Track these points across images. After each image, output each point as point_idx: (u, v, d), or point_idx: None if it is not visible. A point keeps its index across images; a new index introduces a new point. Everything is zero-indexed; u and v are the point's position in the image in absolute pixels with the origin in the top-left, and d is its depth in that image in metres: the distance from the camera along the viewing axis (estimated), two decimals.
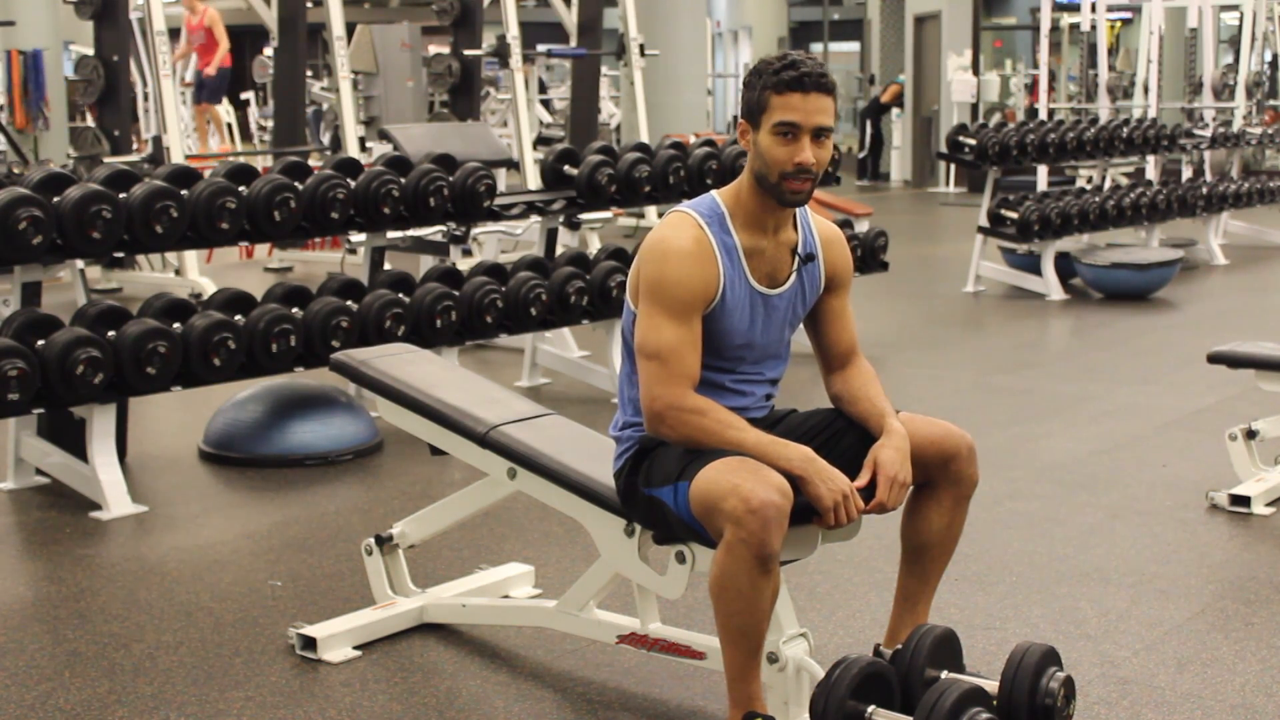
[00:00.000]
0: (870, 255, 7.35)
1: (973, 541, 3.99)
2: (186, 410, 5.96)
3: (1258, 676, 3.29)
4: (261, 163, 10.67)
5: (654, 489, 2.84)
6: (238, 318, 4.96)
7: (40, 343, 4.46)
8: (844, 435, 2.92)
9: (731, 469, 2.66)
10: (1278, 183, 11.88)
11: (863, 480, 2.76)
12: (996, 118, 16.68)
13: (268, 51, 14.09)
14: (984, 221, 9.17)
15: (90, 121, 11.62)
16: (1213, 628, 3.58)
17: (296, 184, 5.20)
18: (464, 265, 6.34)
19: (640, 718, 3.12)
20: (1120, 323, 8.23)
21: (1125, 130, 10.19)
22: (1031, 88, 18.04)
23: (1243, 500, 4.52)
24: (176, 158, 8.25)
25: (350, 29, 10.34)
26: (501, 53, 10.78)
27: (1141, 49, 14.06)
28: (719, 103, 23.29)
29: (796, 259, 2.93)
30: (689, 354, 2.80)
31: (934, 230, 13.57)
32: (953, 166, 16.22)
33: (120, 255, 6.15)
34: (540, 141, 14.03)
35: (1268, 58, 15.92)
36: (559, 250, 6.42)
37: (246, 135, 17.91)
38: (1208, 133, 11.83)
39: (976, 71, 16.79)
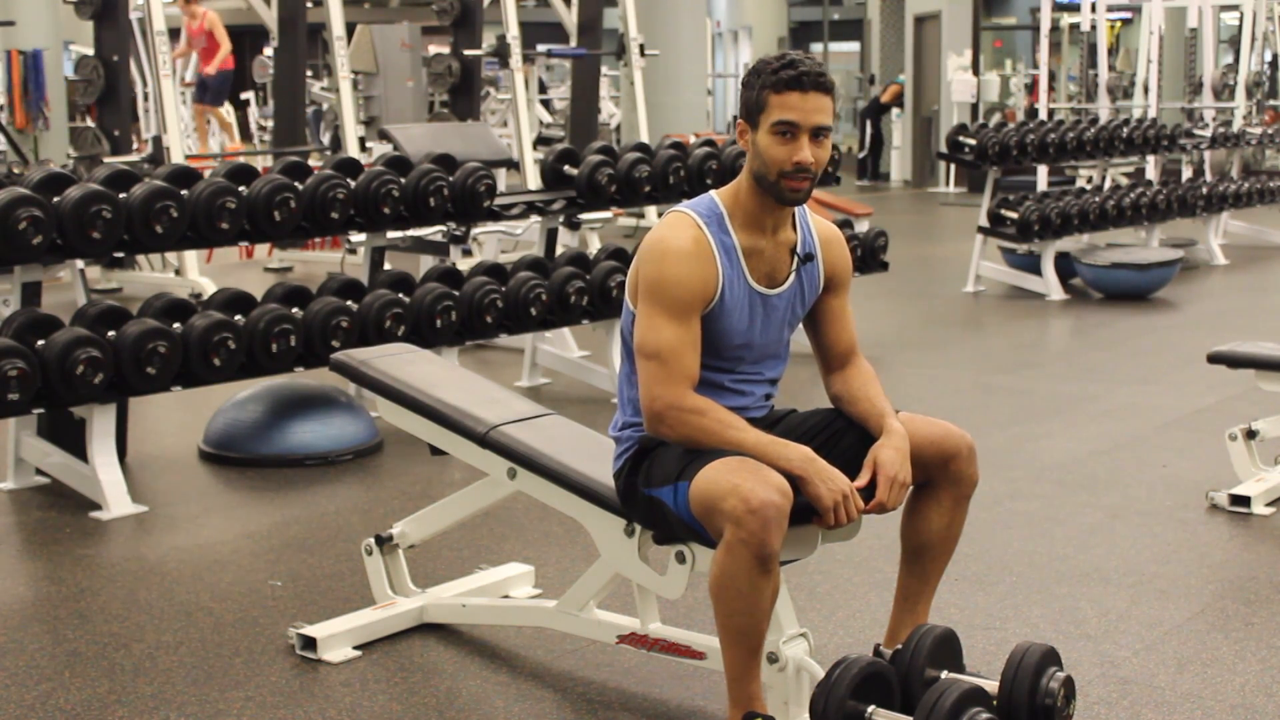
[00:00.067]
0: (870, 255, 7.35)
1: (973, 541, 3.99)
2: (186, 410, 5.96)
3: (1258, 676, 3.29)
4: (261, 163, 10.68)
5: (654, 489, 2.84)
6: (238, 318, 4.96)
7: (40, 343, 4.46)
8: (844, 435, 2.92)
9: (731, 469, 2.66)
10: (1278, 183, 11.88)
11: (863, 480, 2.76)
12: (996, 118, 16.69)
13: (268, 51, 14.09)
14: (984, 221, 9.17)
15: (90, 121, 11.62)
16: (1213, 628, 3.58)
17: (296, 184, 5.20)
18: (464, 265, 6.34)
19: (640, 718, 3.12)
20: (1120, 323, 8.23)
21: (1125, 130, 10.19)
22: (1031, 88, 18.05)
23: (1243, 500, 4.52)
24: (176, 158, 8.25)
25: (350, 29, 10.34)
26: (501, 53, 10.77)
27: (1141, 49, 14.06)
28: (719, 103, 23.30)
29: (795, 259, 2.93)
30: (688, 354, 2.80)
31: (934, 230, 13.58)
32: (953, 166, 16.23)
33: (120, 255, 6.16)
34: (540, 141, 14.03)
35: (1268, 58, 15.92)
36: (559, 250, 6.42)
37: (246, 135, 17.91)
38: (1208, 133, 11.83)
39: (976, 71, 16.80)
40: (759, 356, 2.94)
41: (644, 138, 10.92)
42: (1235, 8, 14.87)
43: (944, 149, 9.72)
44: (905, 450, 2.80)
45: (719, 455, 2.72)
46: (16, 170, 9.21)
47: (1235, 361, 4.84)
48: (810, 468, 2.70)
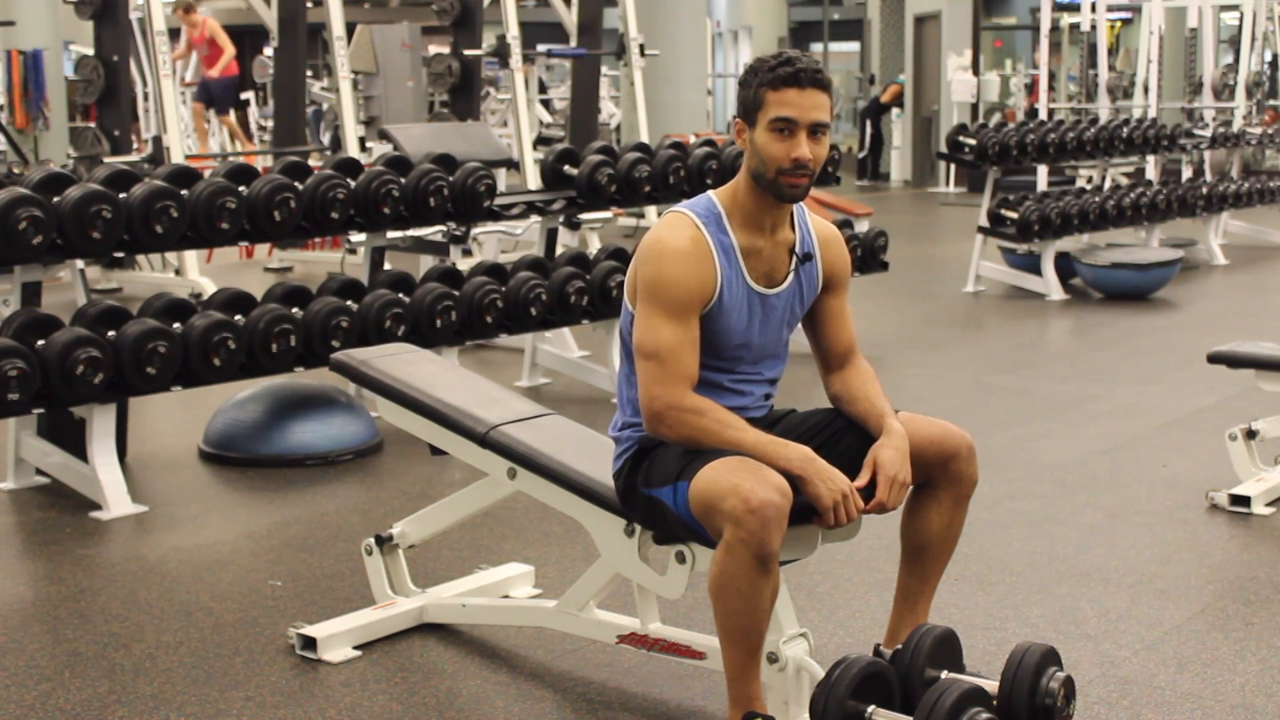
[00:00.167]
0: (870, 255, 7.35)
1: (973, 541, 3.99)
2: (186, 410, 5.96)
3: (1258, 676, 3.29)
4: (261, 163, 10.68)
5: (653, 489, 2.84)
6: (238, 318, 4.96)
7: (40, 343, 4.47)
8: (843, 435, 2.92)
9: (731, 469, 2.66)
10: (1278, 183, 11.88)
11: (862, 480, 2.76)
12: (996, 118, 16.69)
13: (268, 51, 14.09)
14: (984, 221, 9.17)
15: (89, 122, 11.62)
16: (1213, 628, 3.58)
17: (296, 184, 5.20)
18: (464, 265, 6.34)
19: (640, 718, 3.12)
20: (1120, 323, 8.23)
21: (1125, 130, 10.19)
22: (1031, 88, 18.04)
23: (1243, 500, 4.52)
24: (176, 158, 8.25)
25: (350, 29, 10.34)
26: (501, 53, 10.77)
27: (1141, 49, 14.05)
28: (719, 103, 23.29)
29: (794, 258, 2.93)
30: (687, 354, 2.80)
31: (934, 230, 13.58)
32: (953, 166, 16.22)
33: (120, 255, 6.16)
34: (540, 141, 14.02)
35: (1268, 58, 15.91)
36: (559, 250, 6.42)
37: (246, 135, 17.92)
38: (1208, 133, 11.83)
39: (976, 71, 16.80)
40: (758, 356, 2.94)
41: (644, 138, 10.92)
42: (1235, 8, 14.87)
43: (944, 149, 9.72)
44: (905, 450, 2.80)
45: (718, 455, 2.71)
46: (16, 170, 9.21)
47: (1235, 361, 4.84)
48: (810, 467, 2.70)
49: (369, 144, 10.75)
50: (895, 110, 18.42)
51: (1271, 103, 15.99)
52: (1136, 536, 4.30)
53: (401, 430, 3.52)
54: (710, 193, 2.93)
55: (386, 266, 5.91)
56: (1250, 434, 4.68)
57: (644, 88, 11.62)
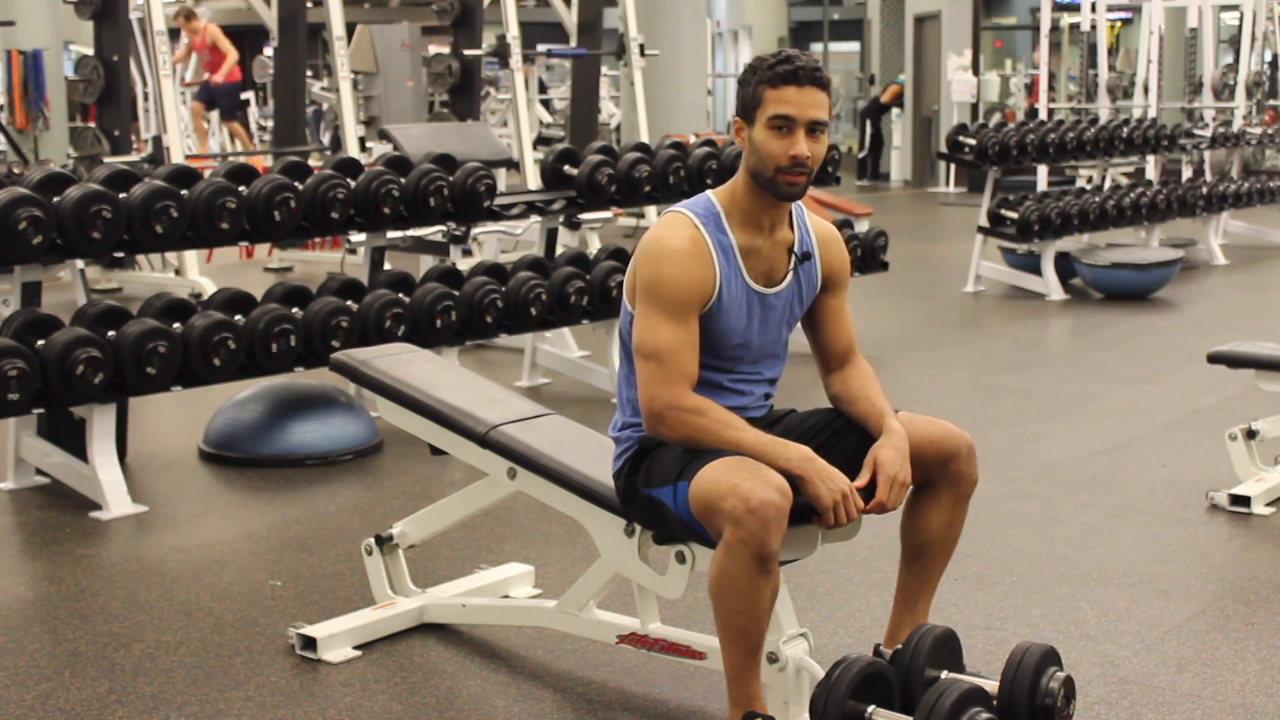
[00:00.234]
0: (870, 255, 7.35)
1: (973, 541, 3.99)
2: (186, 410, 5.96)
3: (1258, 676, 3.29)
4: (261, 163, 10.67)
5: (653, 489, 2.84)
6: (238, 318, 4.96)
7: (40, 343, 4.47)
8: (843, 435, 2.92)
9: (731, 469, 2.66)
10: (1278, 183, 11.88)
11: (862, 480, 2.76)
12: (996, 118, 16.68)
13: (268, 51, 14.09)
14: (984, 221, 9.17)
15: (88, 122, 11.63)
16: (1213, 628, 3.58)
17: (296, 184, 5.20)
18: (464, 265, 6.34)
19: (640, 718, 3.12)
20: (1120, 323, 8.23)
21: (1125, 130, 10.19)
22: (1031, 88, 18.04)
23: (1243, 500, 4.52)
24: (176, 158, 8.24)
25: (350, 29, 10.33)
26: (501, 53, 10.77)
27: (1141, 49, 14.05)
28: (719, 103, 23.29)
29: (793, 258, 2.93)
30: (687, 354, 2.80)
31: (934, 230, 13.57)
32: (953, 166, 16.22)
33: (120, 255, 6.16)
34: (540, 141, 14.02)
35: (1268, 58, 15.91)
36: (559, 250, 6.42)
37: (250, 140, 17.93)
38: (1208, 133, 11.83)
39: (976, 71, 16.80)
40: (757, 356, 2.94)
41: (644, 138, 10.92)
42: (1235, 8, 14.86)
43: (944, 149, 9.72)
44: (905, 450, 2.80)
45: (718, 455, 2.71)
46: (16, 170, 9.21)
47: (1235, 361, 4.84)
48: (810, 467, 2.70)
49: (369, 144, 10.75)
50: (895, 110, 18.42)
51: (1271, 103, 15.99)
52: (1136, 536, 4.30)
53: (401, 430, 3.52)
54: (709, 192, 2.93)
55: (386, 266, 5.91)
56: (1250, 434, 4.68)
57: (644, 88, 11.62)
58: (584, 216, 7.29)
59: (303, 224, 5.28)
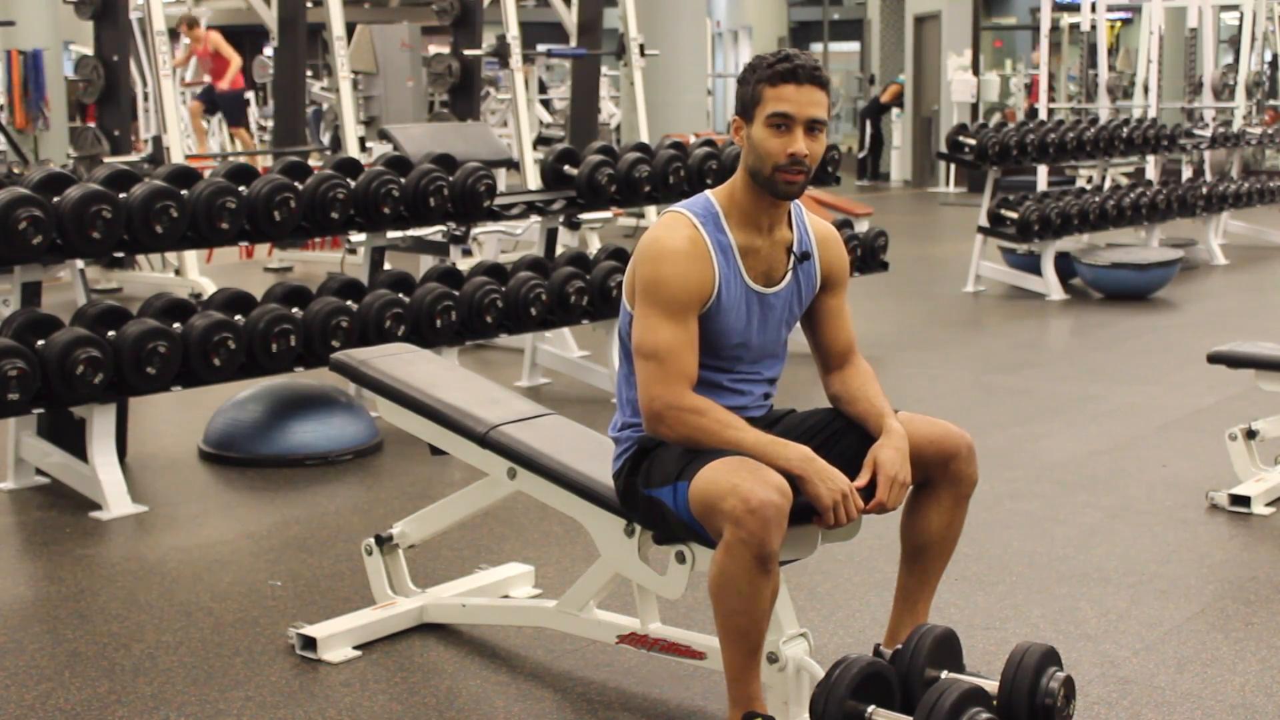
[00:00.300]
0: (870, 255, 7.35)
1: (973, 541, 3.99)
2: (186, 410, 5.96)
3: (1258, 676, 3.29)
4: (261, 163, 10.67)
5: (653, 489, 2.84)
6: (238, 318, 4.96)
7: (40, 343, 4.47)
8: (843, 435, 2.92)
9: (731, 469, 2.66)
10: (1278, 183, 11.88)
11: (862, 480, 2.76)
12: (996, 118, 16.68)
13: (268, 51, 14.09)
14: (984, 221, 9.17)
15: (87, 121, 11.63)
16: (1213, 628, 3.58)
17: (296, 184, 5.20)
18: (464, 265, 6.34)
19: (640, 718, 3.12)
20: (1120, 323, 8.23)
21: (1125, 130, 10.19)
22: (1031, 88, 18.05)
23: (1243, 500, 4.52)
24: (176, 158, 8.24)
25: (350, 29, 10.33)
26: (501, 53, 10.77)
27: (1141, 49, 14.05)
28: (719, 103, 23.28)
29: (792, 257, 2.93)
30: (686, 354, 2.80)
31: (934, 230, 13.58)
32: (953, 166, 16.22)
33: (120, 255, 6.15)
34: (540, 141, 14.02)
35: (1268, 58, 15.90)
36: (559, 250, 6.42)
37: (239, 124, 17.93)
38: (1208, 133, 11.83)
39: (976, 71, 16.80)
40: (757, 356, 2.94)
41: (644, 138, 10.92)
42: (1235, 8, 14.86)
43: (944, 149, 9.72)
44: (905, 450, 2.80)
45: (718, 455, 2.71)
46: (16, 170, 9.21)
47: (1235, 361, 4.84)
48: (809, 467, 2.70)
49: (369, 144, 10.75)
50: (895, 110, 18.42)
51: (1271, 103, 15.99)
52: (1136, 536, 4.30)
53: (401, 430, 3.52)
54: (708, 192, 2.93)
55: (386, 266, 5.91)
56: (1250, 434, 4.68)
57: (644, 88, 11.62)
58: (584, 216, 7.29)
59: (303, 224, 5.28)
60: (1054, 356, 7.67)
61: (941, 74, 16.95)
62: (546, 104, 16.72)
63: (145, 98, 12.99)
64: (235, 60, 13.85)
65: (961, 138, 9.20)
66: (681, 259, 2.81)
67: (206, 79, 14.12)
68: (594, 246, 8.55)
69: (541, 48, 13.27)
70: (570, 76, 13.84)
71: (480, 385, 3.57)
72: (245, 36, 20.33)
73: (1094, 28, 13.81)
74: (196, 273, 8.61)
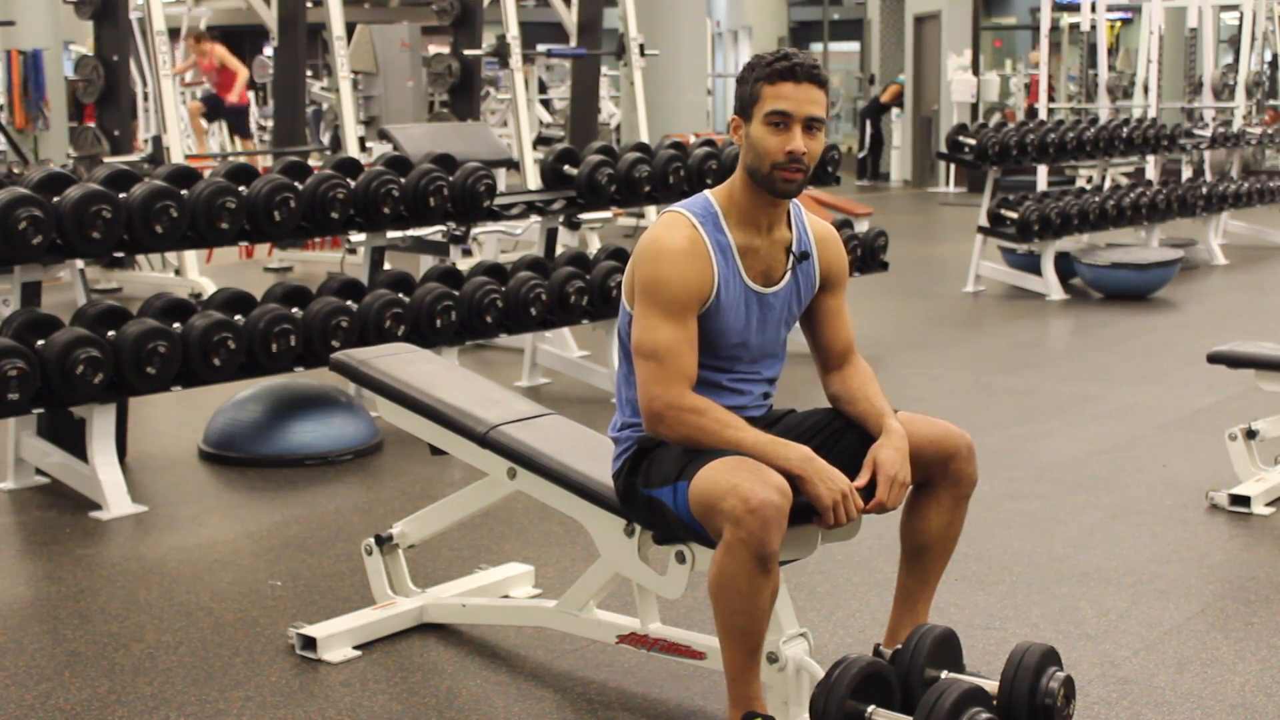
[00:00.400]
0: (870, 255, 7.35)
1: (973, 541, 3.99)
2: (186, 410, 5.96)
3: (1258, 676, 3.29)
4: (261, 163, 10.67)
5: (653, 489, 2.84)
6: (238, 318, 4.96)
7: (40, 343, 4.47)
8: (843, 435, 2.92)
9: (730, 469, 2.66)
10: (1278, 183, 11.88)
11: (862, 480, 2.76)
12: (996, 118, 16.69)
13: (268, 51, 14.09)
14: (984, 221, 9.17)
15: (85, 122, 11.63)
16: (1213, 628, 3.58)
17: (296, 184, 5.20)
18: (464, 265, 6.34)
19: (640, 718, 3.12)
20: (1120, 323, 8.23)
21: (1125, 130, 10.19)
22: (1030, 88, 18.05)
23: (1243, 500, 4.52)
24: (176, 158, 8.25)
25: (350, 29, 10.33)
26: (501, 53, 10.77)
27: (1141, 49, 14.06)
28: (719, 103, 23.29)
29: (791, 257, 2.93)
30: (686, 353, 2.80)
31: (934, 230, 13.58)
32: (953, 166, 16.22)
33: (120, 255, 6.15)
34: (540, 141, 14.02)
35: (1268, 58, 15.91)
36: (559, 250, 6.42)
37: (246, 135, 17.95)
38: (1208, 133, 11.83)
39: (976, 71, 16.80)
40: (756, 355, 2.94)
41: (644, 138, 10.92)
42: (1235, 8, 14.87)
43: (944, 149, 9.72)
44: (904, 450, 2.80)
45: (718, 455, 2.71)
46: (16, 170, 9.21)
47: (1235, 361, 4.84)
48: (809, 467, 2.70)
49: (369, 144, 10.74)
50: (895, 110, 18.42)
51: (1271, 103, 15.99)
52: (1136, 536, 4.30)
53: (401, 430, 3.52)
54: (707, 192, 2.94)
55: (386, 266, 5.91)
56: (1250, 434, 4.68)
57: (644, 88, 11.62)
58: (584, 216, 7.29)
59: (303, 224, 5.28)
60: (1054, 356, 7.67)
61: (941, 74, 16.95)
62: (546, 104, 16.72)
63: (145, 98, 13.00)
64: (242, 73, 13.87)
65: (961, 138, 9.20)
66: (681, 259, 2.81)
67: (205, 81, 14.12)
68: (594, 246, 8.55)
69: (541, 48, 13.28)
70: (570, 76, 13.84)
71: (480, 385, 3.57)
72: (245, 36, 20.35)
73: (1094, 28, 13.82)
74: (196, 273, 8.61)
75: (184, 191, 4.87)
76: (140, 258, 9.04)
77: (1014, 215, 8.95)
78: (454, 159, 5.82)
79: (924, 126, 17.68)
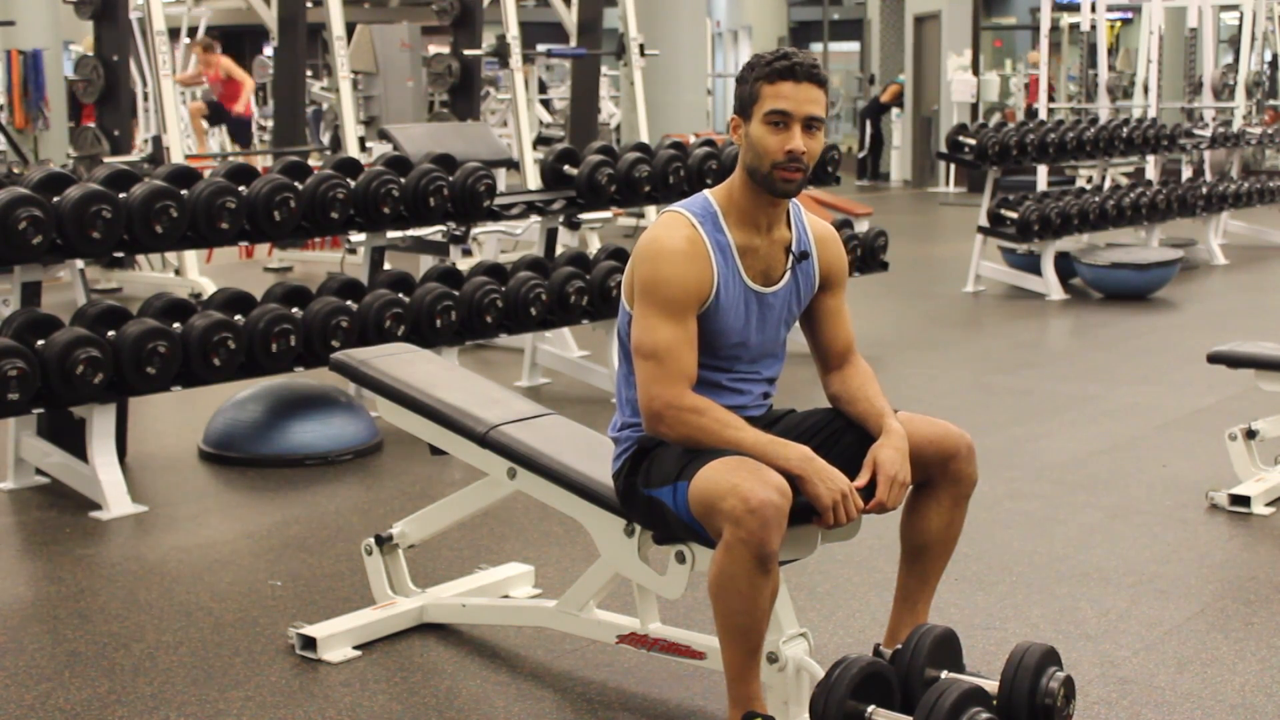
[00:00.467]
0: (870, 255, 7.35)
1: (973, 541, 3.99)
2: (186, 410, 5.96)
3: (1258, 676, 3.29)
4: (261, 163, 10.67)
5: (653, 489, 2.84)
6: (238, 318, 4.96)
7: (40, 343, 4.47)
8: (843, 435, 2.92)
9: (730, 469, 2.66)
10: (1278, 183, 11.88)
11: (862, 480, 2.76)
12: (996, 118, 16.69)
13: (268, 51, 14.08)
14: (984, 221, 9.17)
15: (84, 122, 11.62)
16: (1213, 628, 3.58)
17: (296, 184, 5.20)
18: (464, 265, 6.34)
19: (640, 718, 3.12)
20: (1120, 323, 8.23)
21: (1125, 130, 10.19)
22: (1029, 87, 18.05)
23: (1243, 500, 4.52)
24: (176, 158, 8.24)
25: (350, 29, 10.33)
26: (501, 53, 10.77)
27: (1141, 49, 14.06)
28: (719, 103, 23.29)
29: (790, 257, 2.93)
30: (685, 353, 2.80)
31: (934, 230, 13.58)
32: (953, 166, 16.22)
33: (120, 255, 6.15)
34: (540, 141, 14.02)
35: (1268, 58, 15.91)
36: (559, 250, 6.42)
37: (248, 145, 17.96)
38: (1208, 133, 11.83)
39: (976, 71, 16.80)
40: (756, 355, 2.94)
41: (644, 138, 10.92)
42: (1235, 8, 14.87)
43: (944, 149, 9.72)
44: (904, 450, 2.80)
45: (718, 455, 2.71)
46: (16, 170, 9.21)
47: (1235, 361, 4.84)
48: (809, 467, 2.70)
49: (369, 144, 10.74)
50: (895, 110, 18.42)
51: (1271, 103, 15.99)
52: (1136, 536, 4.30)
53: (401, 430, 3.52)
54: (706, 192, 2.94)
55: (386, 266, 5.91)
56: (1250, 434, 4.68)
57: (644, 88, 11.62)
58: (584, 216, 7.29)
59: (303, 224, 5.28)
60: (1054, 356, 7.67)
61: (941, 74, 16.95)
62: (546, 104, 16.72)
63: (145, 98, 13.00)
64: (248, 84, 13.88)
65: (961, 138, 9.20)
66: (680, 259, 2.81)
67: (203, 77, 14.12)
68: (594, 246, 8.55)
69: (541, 48, 13.28)
70: (570, 76, 13.83)
71: (480, 385, 3.57)
72: (245, 36, 20.35)
73: (1094, 28, 13.81)
74: (196, 273, 8.61)
75: (184, 191, 4.87)
76: (140, 258, 9.04)
77: (1014, 215, 8.95)
78: (454, 159, 5.82)
79: (924, 126, 17.68)
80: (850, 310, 3.07)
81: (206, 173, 5.13)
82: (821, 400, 3.02)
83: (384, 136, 9.17)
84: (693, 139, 7.64)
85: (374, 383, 3.50)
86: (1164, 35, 13.75)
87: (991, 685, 2.74)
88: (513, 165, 10.37)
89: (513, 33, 10.61)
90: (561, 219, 6.61)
